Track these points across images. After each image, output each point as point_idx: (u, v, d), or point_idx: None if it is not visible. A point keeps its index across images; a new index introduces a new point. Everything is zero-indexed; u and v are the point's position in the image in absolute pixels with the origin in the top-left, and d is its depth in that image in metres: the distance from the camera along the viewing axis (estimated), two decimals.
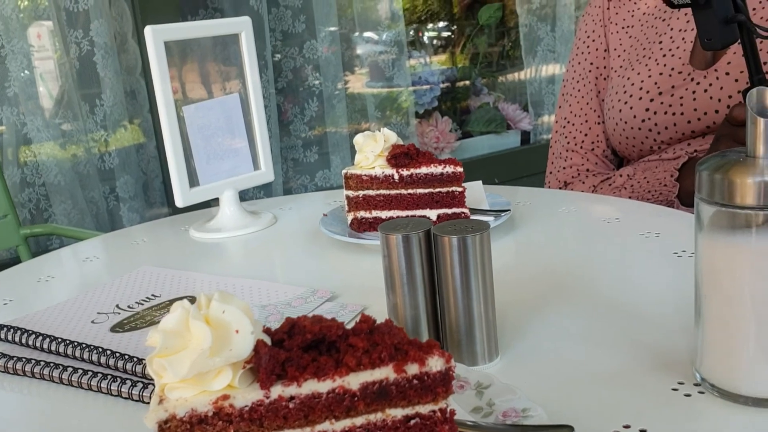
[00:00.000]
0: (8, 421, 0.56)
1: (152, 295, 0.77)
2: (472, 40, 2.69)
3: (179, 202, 0.95)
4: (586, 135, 1.24)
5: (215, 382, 0.39)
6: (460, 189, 0.87)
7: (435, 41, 2.74)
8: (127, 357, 0.59)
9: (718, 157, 0.49)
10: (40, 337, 0.64)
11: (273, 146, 2.15)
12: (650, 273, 0.72)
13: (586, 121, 1.24)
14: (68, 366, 0.60)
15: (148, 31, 0.89)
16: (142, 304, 0.74)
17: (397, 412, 0.42)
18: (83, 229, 1.67)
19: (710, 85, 1.03)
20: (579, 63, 1.27)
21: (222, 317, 0.40)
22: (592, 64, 1.25)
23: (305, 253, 0.89)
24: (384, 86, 2.33)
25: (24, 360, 0.62)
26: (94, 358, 0.61)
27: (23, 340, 0.65)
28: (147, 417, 0.39)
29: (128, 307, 0.74)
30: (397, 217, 0.89)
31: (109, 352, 0.61)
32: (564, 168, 1.26)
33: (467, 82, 2.63)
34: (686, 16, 1.12)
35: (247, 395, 0.39)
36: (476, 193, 0.95)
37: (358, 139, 0.90)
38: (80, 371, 0.59)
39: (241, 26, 0.98)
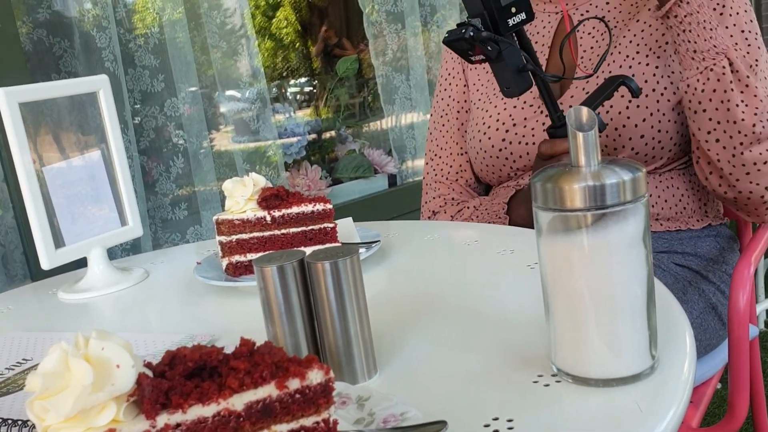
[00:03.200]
0: None
1: (23, 359, 0.74)
2: (333, 92, 2.78)
3: (45, 265, 0.92)
4: (450, 166, 1.32)
5: (100, 417, 0.40)
6: (331, 225, 0.91)
7: (298, 95, 2.81)
8: (10, 422, 0.58)
9: (548, 170, 0.55)
10: None
11: (140, 207, 2.11)
12: (509, 284, 0.79)
13: (451, 154, 1.33)
14: None
15: (1, 93, 0.87)
16: (13, 369, 0.72)
17: (283, 428, 0.44)
18: None
19: (570, 107, 1.14)
20: (442, 99, 1.36)
21: (102, 354, 0.41)
22: (453, 99, 1.34)
23: (181, 302, 0.89)
24: (251, 140, 2.35)
25: None
26: None
27: None
28: None
29: None
30: None
31: None
32: (433, 198, 1.34)
33: (332, 132, 2.71)
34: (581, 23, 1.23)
35: (134, 427, 0.40)
36: (347, 228, 0.99)
37: (227, 185, 0.92)
38: None
39: (99, 84, 0.98)
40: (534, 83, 0.96)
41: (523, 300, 0.73)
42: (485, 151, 1.22)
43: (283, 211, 0.90)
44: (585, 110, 0.54)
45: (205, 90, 2.28)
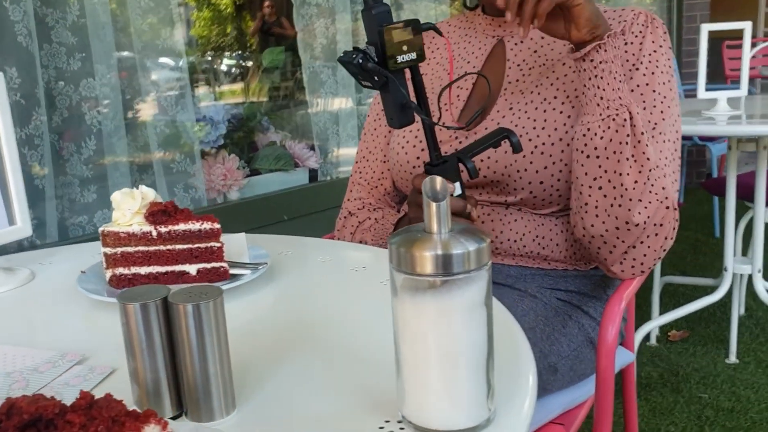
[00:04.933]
0: None
1: None
2: (259, 81, 2.76)
3: None
4: (374, 171, 1.35)
5: None
6: (218, 244, 0.92)
7: (221, 79, 2.78)
8: None
9: (404, 233, 0.59)
10: None
11: (47, 185, 2.06)
12: (380, 319, 0.82)
13: (376, 159, 1.36)
14: None
15: None
16: None
17: None
18: None
19: (460, 142, 1.18)
20: (378, 103, 1.38)
21: None
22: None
23: (62, 312, 0.89)
24: (168, 124, 2.32)
25: None
26: None
27: None
28: None
29: None
30: (157, 273, 0.92)
31: None
32: (354, 199, 1.37)
33: (254, 121, 2.69)
34: (463, 77, 1.26)
35: None
36: (238, 245, 1.00)
37: (116, 197, 0.92)
38: None
39: None
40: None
41: (389, 339, 0.77)
42: (401, 165, 1.26)
43: (170, 227, 0.91)
44: (439, 180, 0.57)
45: (125, 67, 2.24)
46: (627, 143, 1.04)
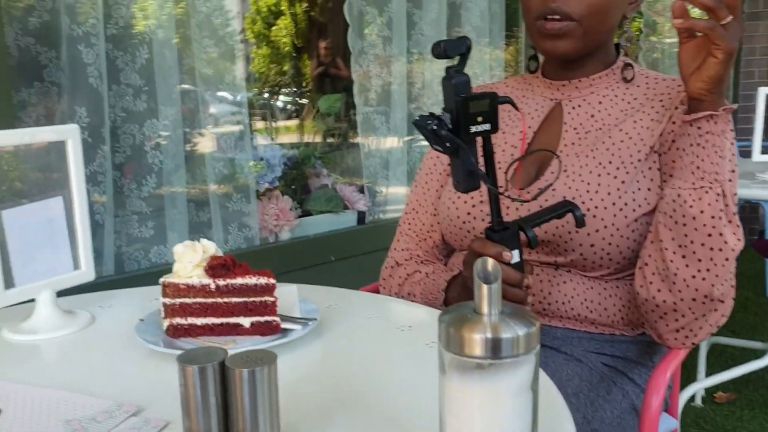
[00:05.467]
0: None
1: None
2: (314, 123, 2.83)
3: None
4: (423, 224, 1.37)
5: None
6: (272, 299, 0.95)
7: (278, 117, 2.86)
8: None
9: (454, 311, 0.60)
10: None
11: (107, 220, 2.14)
12: (425, 382, 0.83)
13: (426, 211, 1.37)
14: None
15: None
16: None
17: None
18: None
19: (521, 205, 1.19)
20: (431, 157, 1.40)
21: None
22: (440, 159, 1.38)
23: (119, 359, 0.93)
24: (226, 163, 2.39)
25: None
26: None
27: None
28: None
29: None
30: (212, 324, 0.96)
31: None
32: (402, 249, 1.39)
33: (308, 164, 2.75)
34: (512, 137, 1.28)
35: None
36: (289, 298, 1.03)
37: (178, 249, 0.96)
38: None
39: (68, 134, 1.02)
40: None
41: (431, 405, 0.78)
42: (451, 219, 1.27)
43: (228, 281, 0.94)
44: (491, 262, 0.59)
45: (187, 109, 2.32)
46: (721, 218, 1.04)
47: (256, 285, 0.95)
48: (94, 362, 0.94)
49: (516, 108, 1.04)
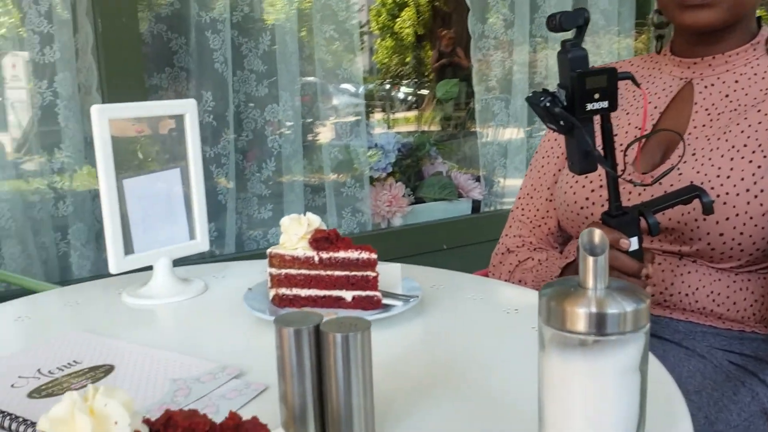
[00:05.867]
0: None
1: (74, 361, 0.82)
2: (431, 110, 2.82)
3: (113, 269, 1.01)
4: (538, 210, 1.33)
5: None
6: (373, 274, 0.95)
7: (396, 107, 2.86)
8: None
9: (556, 285, 0.57)
10: None
11: (229, 201, 2.22)
12: (528, 366, 0.79)
13: (540, 197, 1.32)
14: None
15: (94, 110, 0.96)
16: (62, 370, 0.79)
17: None
18: (28, 276, 1.71)
19: (644, 189, 1.12)
20: (548, 140, 1.34)
21: (104, 409, 0.46)
22: (557, 142, 1.32)
23: (227, 325, 0.96)
24: (342, 149, 2.43)
25: None
26: (6, 424, 0.66)
27: None
28: None
29: (49, 372, 0.79)
30: (315, 296, 0.96)
31: (20, 419, 0.66)
32: (513, 236, 1.34)
33: (423, 151, 2.74)
34: (635, 118, 1.21)
35: None
36: (392, 276, 1.02)
37: (285, 222, 0.97)
38: None
39: (186, 108, 1.06)
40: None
41: (532, 390, 0.74)
42: (568, 205, 1.22)
43: (331, 254, 0.94)
44: (598, 233, 0.55)
45: (306, 95, 2.37)
46: None
47: (357, 259, 0.94)
48: (204, 327, 0.97)
49: (636, 84, 0.98)
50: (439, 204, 2.68)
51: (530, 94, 0.93)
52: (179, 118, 1.06)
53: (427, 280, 1.08)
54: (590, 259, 0.55)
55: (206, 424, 0.47)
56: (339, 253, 0.94)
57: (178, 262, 1.10)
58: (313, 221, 0.97)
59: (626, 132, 1.21)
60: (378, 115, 2.76)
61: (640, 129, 1.19)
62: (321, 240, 0.95)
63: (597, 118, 0.95)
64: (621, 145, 1.17)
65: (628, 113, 1.24)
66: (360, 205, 2.44)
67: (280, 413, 0.66)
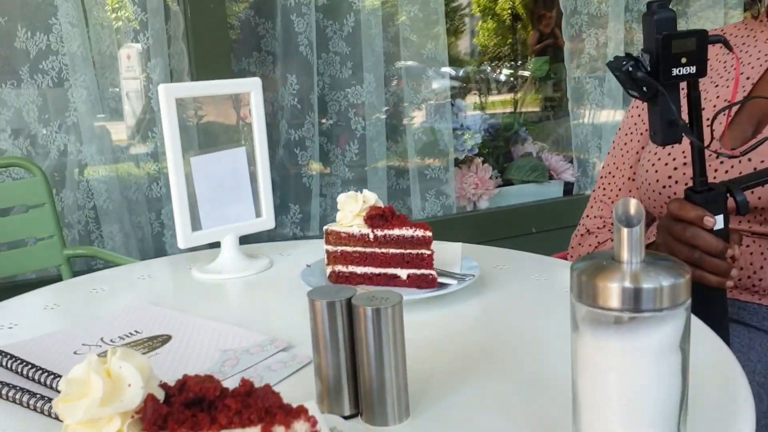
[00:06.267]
0: None
1: (135, 330, 0.85)
2: (520, 91, 2.74)
3: (181, 245, 1.04)
4: (620, 189, 1.27)
5: (107, 427, 0.46)
6: (428, 252, 0.93)
7: (482, 88, 2.81)
8: None
9: (590, 259, 0.53)
10: (23, 364, 0.74)
11: (314, 184, 2.25)
12: None
13: (623, 176, 1.27)
14: (38, 393, 0.69)
15: (161, 89, 0.99)
16: (123, 339, 0.83)
17: None
18: (122, 255, 1.80)
19: (732, 167, 1.05)
20: (632, 116, 1.28)
21: (119, 372, 0.47)
22: (642, 119, 1.25)
23: (283, 300, 0.97)
24: (426, 131, 2.41)
25: (3, 384, 0.71)
26: (54, 384, 0.69)
27: (9, 366, 0.74)
28: None
29: (111, 341, 0.82)
30: (371, 273, 0.96)
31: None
32: (594, 217, 1.29)
33: (511, 131, 2.68)
34: (725, 90, 1.13)
35: None
36: (451, 255, 1.00)
37: (341, 198, 0.97)
38: (46, 399, 0.68)
39: (252, 86, 1.07)
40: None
41: None
42: (649, 184, 1.16)
43: (386, 231, 0.93)
44: (634, 203, 0.51)
45: (390, 76, 2.36)
46: None
47: (413, 237, 0.93)
48: (263, 302, 0.98)
49: (729, 48, 0.90)
50: (528, 186, 2.61)
51: (611, 59, 0.87)
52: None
53: (490, 259, 1.06)
54: (624, 231, 0.51)
55: (216, 389, 0.48)
56: (394, 230, 0.93)
57: (255, 238, 1.12)
58: (369, 198, 0.96)
59: (714, 106, 1.12)
60: (470, 98, 2.71)
61: (729, 102, 1.11)
62: (376, 217, 0.94)
63: (683, 86, 0.89)
64: (707, 120, 1.10)
65: (717, 86, 1.16)
66: (444, 188, 2.42)
67: (315, 386, 0.66)
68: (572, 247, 1.33)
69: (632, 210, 0.51)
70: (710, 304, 0.95)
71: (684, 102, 0.90)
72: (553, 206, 2.61)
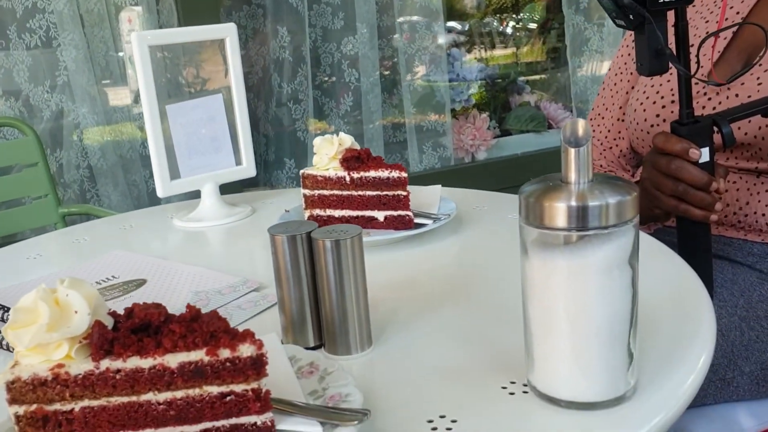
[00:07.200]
0: None
1: (112, 276, 0.86)
2: (517, 39, 2.70)
3: (160, 193, 1.04)
4: (609, 131, 1.26)
5: (55, 353, 0.47)
6: (404, 193, 0.93)
7: (475, 38, 2.77)
8: None
9: (537, 182, 0.53)
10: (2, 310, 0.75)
11: (308, 139, 2.25)
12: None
13: (611, 117, 1.25)
14: None
15: (134, 36, 0.98)
16: (100, 284, 0.84)
17: (213, 389, 0.49)
18: (118, 211, 1.81)
19: (720, 103, 1.03)
20: (621, 56, 1.26)
21: (66, 300, 0.48)
22: (632, 58, 1.23)
23: (260, 245, 0.97)
24: (421, 83, 2.38)
25: None
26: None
27: None
28: None
29: None
30: (349, 216, 0.96)
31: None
32: None
33: (508, 80, 2.65)
34: (714, 26, 1.11)
35: (80, 365, 0.47)
36: (430, 197, 1.00)
37: (317, 141, 0.97)
38: None
39: (226, 32, 1.06)
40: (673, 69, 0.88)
41: None
42: (638, 123, 1.15)
43: (362, 173, 0.93)
44: (581, 123, 0.51)
45: (383, 27, 2.33)
46: None
47: (388, 178, 0.93)
48: (241, 247, 0.99)
49: None
50: (527, 136, 2.59)
51: None
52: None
53: (470, 201, 1.05)
54: (572, 151, 0.51)
55: (161, 315, 0.48)
56: (369, 172, 0.93)
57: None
58: (345, 140, 0.96)
59: (694, 32, 1.10)
60: (467, 48, 2.67)
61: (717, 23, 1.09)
62: (351, 159, 0.94)
63: (671, 16, 0.87)
64: (694, 56, 1.08)
65: (707, 21, 1.13)
66: (442, 139, 2.40)
67: (279, 321, 0.66)
68: None
69: (580, 130, 0.51)
70: (695, 238, 0.95)
71: (671, 33, 0.89)
72: (553, 156, 2.58)
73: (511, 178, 2.46)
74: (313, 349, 0.65)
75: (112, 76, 1.98)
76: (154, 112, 1.01)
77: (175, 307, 0.76)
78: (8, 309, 0.75)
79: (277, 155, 2.23)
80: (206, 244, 1.02)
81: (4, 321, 0.74)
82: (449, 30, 2.58)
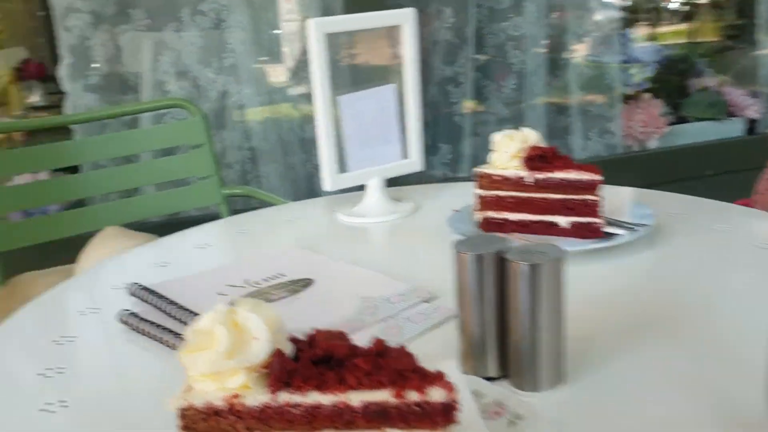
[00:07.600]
0: (127, 375, 0.66)
1: (279, 273, 0.83)
2: (699, 19, 2.46)
3: (327, 187, 1.01)
4: None
5: (230, 380, 0.43)
6: (594, 198, 0.83)
7: (650, 15, 2.55)
8: None
9: None
10: (171, 304, 0.74)
11: (466, 123, 2.16)
12: None
13: None
14: (180, 334, 0.69)
15: (311, 23, 0.95)
16: (268, 281, 0.81)
17: None
18: (277, 195, 1.82)
19: None
20: None
21: (245, 324, 0.44)
22: None
23: (428, 247, 0.91)
24: (590, 65, 2.23)
25: (149, 323, 0.72)
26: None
27: (158, 305, 0.75)
28: (170, 402, 0.44)
29: (255, 282, 0.81)
30: (527, 221, 0.88)
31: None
32: None
33: (687, 63, 2.42)
34: None
35: (257, 397, 0.43)
36: (621, 202, 0.89)
37: (497, 138, 0.89)
38: None
39: (403, 18, 1.01)
40: None
41: None
42: None
43: (546, 174, 0.84)
44: None
45: (554, 5, 2.19)
46: None
47: (578, 181, 0.83)
48: (407, 248, 0.94)
49: None
50: (705, 124, 2.36)
51: None
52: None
53: (665, 206, 0.94)
54: None
55: (347, 348, 0.43)
56: (555, 173, 0.84)
57: (402, 181, 1.07)
58: (529, 137, 0.87)
59: None
60: (640, 28, 2.47)
61: None
62: (535, 158, 0.85)
63: None
64: None
65: None
66: (610, 125, 2.24)
67: (457, 343, 0.60)
68: (759, 193, 1.17)
69: None
70: None
71: None
72: (733, 146, 2.35)
73: (686, 169, 2.25)
74: (492, 379, 0.58)
75: (270, 53, 2.00)
76: (327, 102, 0.97)
77: (343, 313, 0.72)
78: (177, 304, 0.74)
79: (432, 140, 2.17)
80: (370, 242, 0.98)
81: (172, 316, 0.73)
82: (622, 8, 2.39)
